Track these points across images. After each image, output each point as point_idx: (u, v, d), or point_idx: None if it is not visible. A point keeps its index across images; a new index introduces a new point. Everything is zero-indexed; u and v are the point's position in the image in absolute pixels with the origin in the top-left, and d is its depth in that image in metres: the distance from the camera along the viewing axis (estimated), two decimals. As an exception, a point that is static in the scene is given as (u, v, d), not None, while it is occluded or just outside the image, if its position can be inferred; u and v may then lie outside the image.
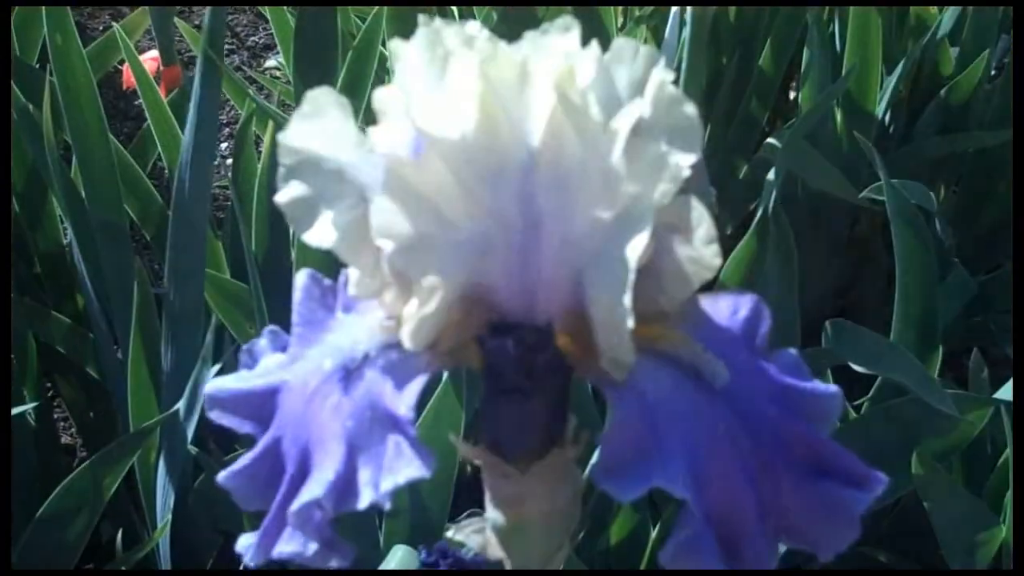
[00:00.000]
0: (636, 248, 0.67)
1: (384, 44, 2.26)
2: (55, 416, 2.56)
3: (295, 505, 0.70)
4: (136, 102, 3.44)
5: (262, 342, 0.81)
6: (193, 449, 1.85)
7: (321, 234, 0.74)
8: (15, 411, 1.94)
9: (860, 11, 2.46)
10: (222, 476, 0.76)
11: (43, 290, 2.41)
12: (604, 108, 0.68)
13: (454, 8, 2.55)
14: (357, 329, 0.76)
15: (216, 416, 0.79)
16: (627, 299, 0.67)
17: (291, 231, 2.05)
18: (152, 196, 2.34)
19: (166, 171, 2.46)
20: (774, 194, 1.91)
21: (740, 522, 0.71)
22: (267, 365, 0.79)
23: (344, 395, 0.72)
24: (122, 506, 2.17)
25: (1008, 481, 1.77)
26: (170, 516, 1.85)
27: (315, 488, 0.70)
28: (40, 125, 2.06)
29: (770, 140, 2.34)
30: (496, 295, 0.72)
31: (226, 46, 3.77)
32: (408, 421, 0.70)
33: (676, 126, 0.70)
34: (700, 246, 0.72)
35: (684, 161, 0.69)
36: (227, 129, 3.43)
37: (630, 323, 0.68)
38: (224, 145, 3.37)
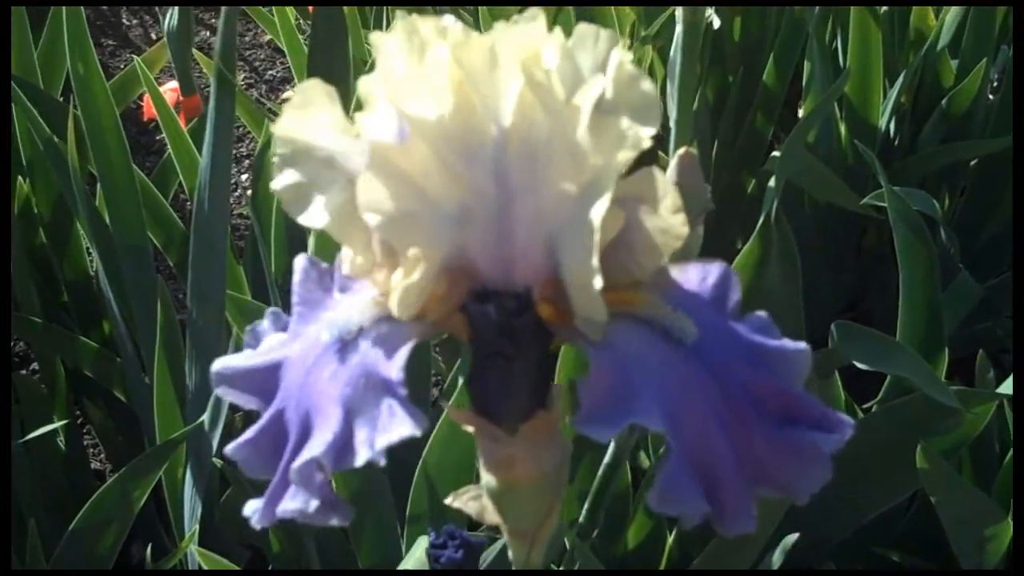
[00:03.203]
0: (599, 211, 0.72)
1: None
2: (85, 443, 2.62)
3: (297, 462, 0.75)
4: (158, 137, 3.52)
5: (264, 323, 0.87)
6: (218, 461, 1.90)
7: (314, 217, 0.80)
8: (44, 430, 2.00)
9: (860, 23, 2.51)
10: (230, 448, 0.80)
11: (70, 317, 2.47)
12: (569, 87, 0.74)
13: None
14: (352, 306, 0.81)
15: (223, 392, 0.83)
16: (595, 260, 0.73)
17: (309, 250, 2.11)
18: (175, 223, 2.40)
19: (188, 203, 2.53)
20: (775, 200, 1.95)
21: (717, 467, 0.75)
22: (269, 344, 0.84)
23: (340, 365, 0.77)
24: (152, 526, 2.23)
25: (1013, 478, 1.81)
26: (197, 527, 1.90)
27: (316, 447, 0.75)
28: (65, 156, 2.13)
29: (775, 153, 2.39)
30: (476, 264, 0.77)
31: (245, 80, 3.86)
32: (399, 383, 0.75)
33: (636, 102, 0.75)
34: (667, 216, 0.77)
35: (644, 134, 0.74)
36: (247, 161, 3.50)
37: (599, 283, 0.73)
38: (245, 176, 3.45)
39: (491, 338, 0.79)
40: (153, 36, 4.09)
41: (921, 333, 2.01)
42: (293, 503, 0.77)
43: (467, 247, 0.77)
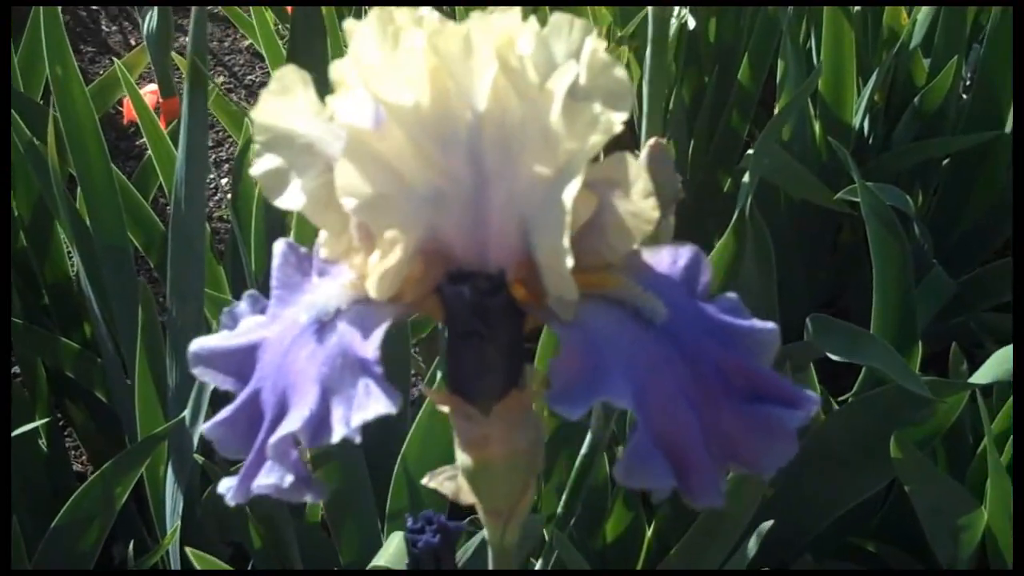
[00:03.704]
0: (571, 194, 0.74)
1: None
2: (67, 445, 2.62)
3: (273, 438, 0.77)
4: (137, 142, 3.53)
5: (242, 305, 0.88)
6: (199, 458, 1.91)
7: (291, 199, 0.82)
8: (26, 428, 2.01)
9: (833, 23, 2.54)
10: (206, 427, 0.82)
11: (51, 319, 2.48)
12: (543, 74, 0.76)
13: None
14: (329, 289, 0.83)
15: (199, 372, 0.85)
16: (566, 241, 0.74)
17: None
18: (155, 224, 2.41)
19: (169, 207, 2.55)
20: (749, 196, 1.98)
21: (685, 443, 0.76)
22: (247, 325, 0.86)
23: (318, 345, 0.79)
24: (133, 525, 2.24)
25: (986, 468, 1.83)
26: (179, 523, 1.91)
27: (293, 423, 0.76)
28: (45, 158, 2.14)
29: (750, 152, 2.42)
30: (452, 246, 0.79)
31: (224, 84, 3.87)
32: (375, 362, 0.76)
33: (609, 88, 0.77)
34: (638, 200, 0.79)
35: (616, 119, 0.76)
36: (227, 165, 3.51)
37: (570, 262, 0.75)
38: (225, 181, 3.46)
39: (465, 318, 0.80)
40: (132, 43, 4.10)
41: (895, 327, 2.03)
42: (268, 479, 0.78)
43: (442, 229, 0.78)
